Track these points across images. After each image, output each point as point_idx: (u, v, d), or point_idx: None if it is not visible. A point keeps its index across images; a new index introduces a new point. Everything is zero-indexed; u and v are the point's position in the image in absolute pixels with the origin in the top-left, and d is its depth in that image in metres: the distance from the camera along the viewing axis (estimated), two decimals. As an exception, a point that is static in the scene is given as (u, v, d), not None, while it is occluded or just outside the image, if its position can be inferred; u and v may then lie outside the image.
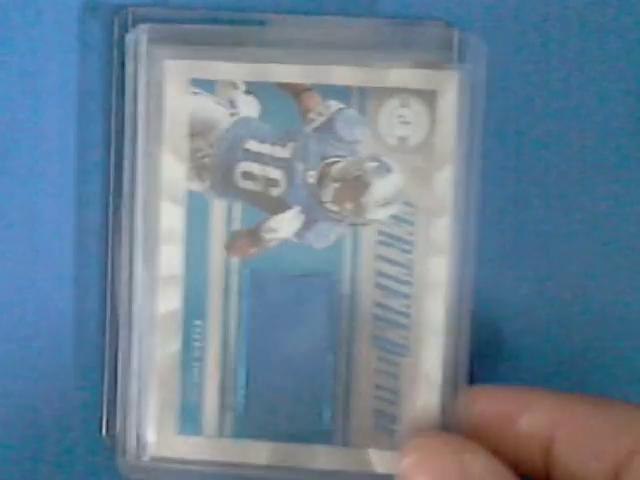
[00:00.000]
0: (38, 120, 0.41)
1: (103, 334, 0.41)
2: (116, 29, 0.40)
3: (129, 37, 0.39)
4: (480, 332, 0.42)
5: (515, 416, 0.37)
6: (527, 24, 0.41)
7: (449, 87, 0.40)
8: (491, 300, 0.42)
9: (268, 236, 0.40)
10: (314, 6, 0.41)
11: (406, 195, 0.40)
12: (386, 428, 0.41)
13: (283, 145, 0.40)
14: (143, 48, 0.39)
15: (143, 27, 0.39)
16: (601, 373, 0.42)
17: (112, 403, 0.41)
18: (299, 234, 0.40)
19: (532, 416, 0.37)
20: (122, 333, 0.40)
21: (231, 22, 0.40)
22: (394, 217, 0.40)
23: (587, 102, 0.41)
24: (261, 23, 0.40)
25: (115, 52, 0.40)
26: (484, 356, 0.42)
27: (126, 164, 0.40)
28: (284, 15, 0.41)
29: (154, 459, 0.41)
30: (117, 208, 0.40)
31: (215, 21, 0.40)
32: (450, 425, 0.39)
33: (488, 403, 0.37)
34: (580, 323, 0.42)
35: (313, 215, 0.40)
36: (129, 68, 0.39)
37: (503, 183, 0.42)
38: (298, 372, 0.41)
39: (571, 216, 0.42)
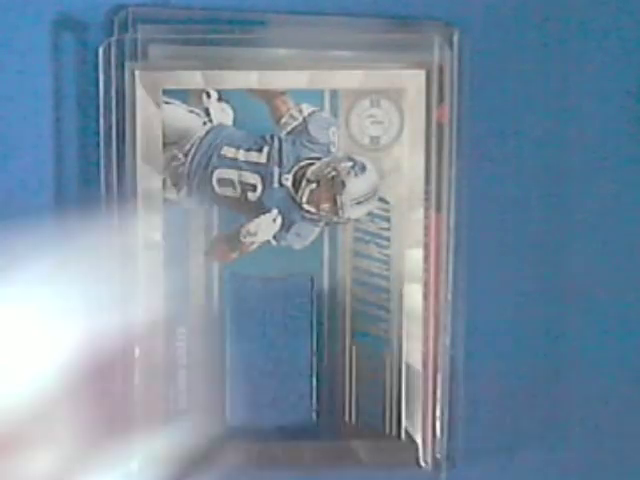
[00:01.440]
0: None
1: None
2: (116, 29, 0.40)
3: (101, 49, 0.40)
4: (478, 332, 0.42)
5: None
6: (527, 24, 0.41)
7: (415, 85, 0.40)
8: (490, 300, 0.42)
9: (247, 240, 0.41)
10: (312, 6, 0.41)
11: (381, 192, 0.41)
12: (371, 420, 0.42)
13: (258, 150, 0.40)
14: (114, 60, 0.40)
15: (115, 39, 0.40)
16: (601, 373, 0.42)
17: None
18: (278, 236, 0.41)
19: None
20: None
21: (231, 22, 0.40)
22: (370, 214, 0.41)
23: (587, 102, 0.41)
24: (261, 23, 0.40)
25: (113, 52, 0.40)
26: (483, 355, 0.42)
27: (102, 175, 0.40)
28: (284, 15, 0.41)
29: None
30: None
31: (215, 21, 0.40)
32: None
33: None
34: (580, 323, 0.42)
35: (291, 217, 0.41)
36: (102, 80, 0.40)
37: (503, 183, 0.42)
38: (282, 372, 0.41)
39: (571, 216, 0.42)
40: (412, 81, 0.40)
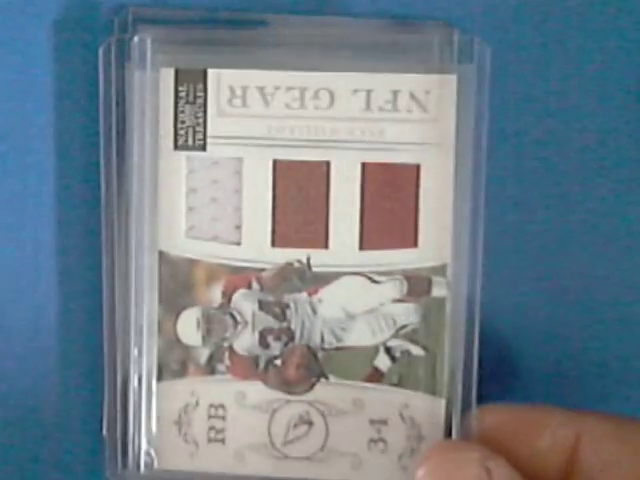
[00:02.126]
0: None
1: (102, 335, 0.41)
2: (116, 29, 0.40)
3: (101, 49, 0.39)
4: (478, 332, 0.42)
5: (537, 432, 0.37)
6: (527, 24, 0.41)
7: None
8: (490, 300, 0.42)
9: None
10: (314, 6, 0.41)
11: None
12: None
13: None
14: (114, 60, 0.39)
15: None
16: (601, 373, 0.42)
17: (112, 403, 0.41)
18: None
19: (555, 430, 0.37)
20: (115, 344, 0.41)
21: (231, 22, 0.40)
22: None
23: (587, 102, 0.41)
24: (261, 23, 0.40)
25: (113, 52, 0.40)
26: (483, 356, 0.42)
27: (102, 175, 0.40)
28: (284, 15, 0.41)
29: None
30: (111, 212, 0.40)
31: (215, 21, 0.40)
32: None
33: (507, 420, 0.38)
34: (580, 323, 0.42)
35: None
36: (102, 80, 0.40)
37: (503, 183, 0.42)
38: None
39: (571, 216, 0.42)
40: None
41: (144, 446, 0.40)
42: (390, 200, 0.40)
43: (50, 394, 0.42)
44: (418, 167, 0.40)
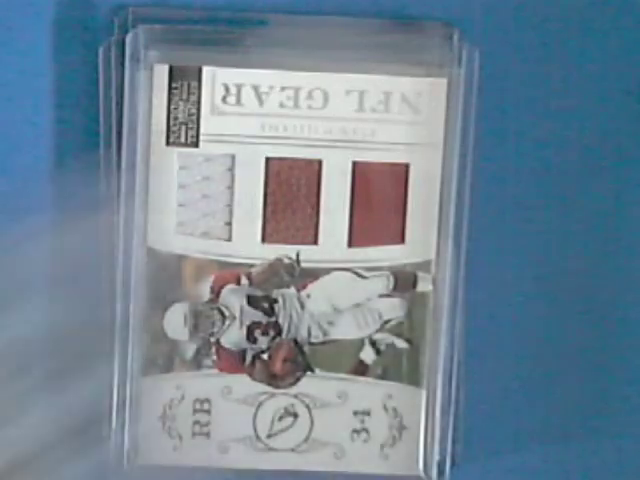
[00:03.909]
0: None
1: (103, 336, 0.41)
2: (116, 29, 0.40)
3: (101, 49, 0.40)
4: (477, 331, 0.42)
5: None
6: (527, 24, 0.41)
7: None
8: (491, 300, 0.42)
9: None
10: (314, 6, 0.41)
11: None
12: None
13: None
14: (114, 60, 0.40)
15: (115, 39, 0.40)
16: (601, 373, 0.42)
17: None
18: None
19: None
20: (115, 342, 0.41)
21: (231, 22, 0.40)
22: None
23: (587, 102, 0.41)
24: (261, 23, 0.40)
25: (113, 52, 0.40)
26: (481, 355, 0.42)
27: (102, 175, 0.40)
28: (283, 15, 0.41)
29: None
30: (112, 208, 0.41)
31: (215, 21, 0.40)
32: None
33: None
34: (580, 323, 0.42)
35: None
36: (102, 80, 0.40)
37: (503, 183, 0.42)
38: None
39: (571, 216, 0.42)
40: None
41: (127, 441, 0.41)
42: (379, 198, 0.41)
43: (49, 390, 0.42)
44: (407, 166, 0.41)
